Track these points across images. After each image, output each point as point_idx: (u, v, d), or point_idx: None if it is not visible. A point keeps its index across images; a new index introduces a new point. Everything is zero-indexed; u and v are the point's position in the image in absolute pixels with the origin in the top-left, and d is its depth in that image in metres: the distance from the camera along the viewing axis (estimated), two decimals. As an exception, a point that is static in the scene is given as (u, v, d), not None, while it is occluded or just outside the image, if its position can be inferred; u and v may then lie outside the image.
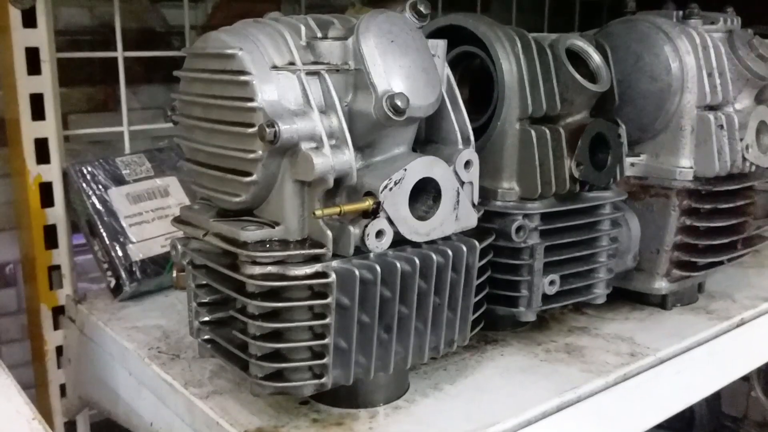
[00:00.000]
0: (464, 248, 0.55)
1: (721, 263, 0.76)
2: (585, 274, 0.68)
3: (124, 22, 0.93)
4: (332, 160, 0.48)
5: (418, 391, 0.60)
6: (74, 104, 1.11)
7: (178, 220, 0.56)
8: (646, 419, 0.63)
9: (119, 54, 0.90)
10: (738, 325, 0.75)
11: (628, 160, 0.72)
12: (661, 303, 0.78)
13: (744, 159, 0.72)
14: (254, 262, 0.49)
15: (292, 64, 0.49)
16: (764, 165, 0.74)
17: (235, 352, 0.52)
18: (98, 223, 0.82)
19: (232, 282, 0.51)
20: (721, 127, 0.71)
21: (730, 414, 1.19)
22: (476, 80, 0.67)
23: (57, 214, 0.83)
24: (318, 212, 0.48)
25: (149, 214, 0.85)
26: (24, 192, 0.81)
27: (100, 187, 0.84)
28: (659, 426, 0.91)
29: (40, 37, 0.78)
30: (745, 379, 1.14)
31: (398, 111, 0.49)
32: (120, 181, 0.86)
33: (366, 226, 0.49)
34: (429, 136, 0.57)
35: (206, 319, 0.55)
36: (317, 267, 0.49)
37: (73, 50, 1.00)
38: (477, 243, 0.56)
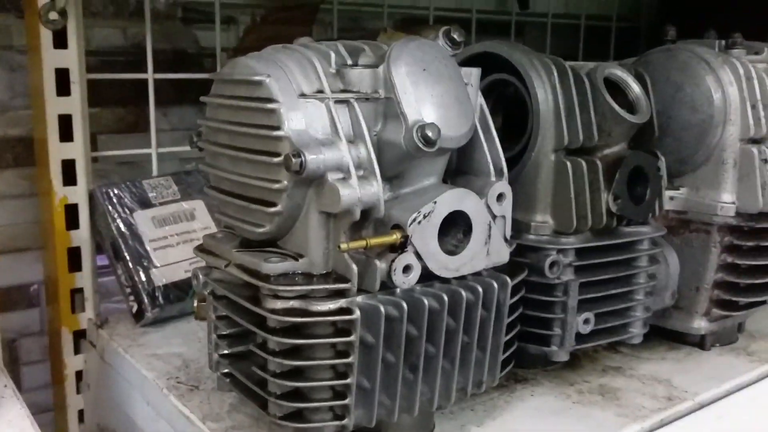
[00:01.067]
0: (495, 285, 0.53)
1: (763, 303, 0.72)
2: (621, 313, 0.65)
3: (155, 43, 0.93)
4: (359, 191, 0.46)
5: (444, 432, 0.57)
6: (104, 124, 1.11)
7: (200, 249, 0.54)
8: (686, 469, 0.60)
9: (149, 75, 0.90)
10: (782, 369, 0.71)
11: (667, 194, 0.68)
12: (700, 343, 0.74)
13: (789, 195, 0.69)
14: (276, 296, 0.47)
15: (320, 92, 0.48)
16: (809, 201, 0.70)
17: (254, 388, 0.50)
18: (122, 246, 0.81)
19: (253, 316, 0.49)
20: (765, 161, 0.68)
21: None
22: (510, 109, 0.65)
23: (82, 236, 0.82)
24: (343, 246, 0.46)
25: (174, 238, 0.84)
26: (49, 213, 0.80)
27: (126, 209, 0.83)
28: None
29: (71, 58, 0.78)
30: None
31: (429, 142, 0.47)
32: (146, 203, 0.85)
33: (393, 260, 0.47)
34: (460, 167, 0.55)
35: (226, 352, 0.53)
36: (341, 303, 0.47)
37: (105, 71, 1.00)
38: (509, 279, 0.54)
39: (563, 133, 0.59)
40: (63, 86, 0.78)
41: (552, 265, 0.60)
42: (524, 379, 0.67)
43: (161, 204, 0.86)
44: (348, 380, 0.47)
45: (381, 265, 0.47)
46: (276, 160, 0.46)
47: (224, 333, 0.53)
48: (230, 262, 0.50)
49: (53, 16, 0.74)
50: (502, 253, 0.54)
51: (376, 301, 0.47)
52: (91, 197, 0.82)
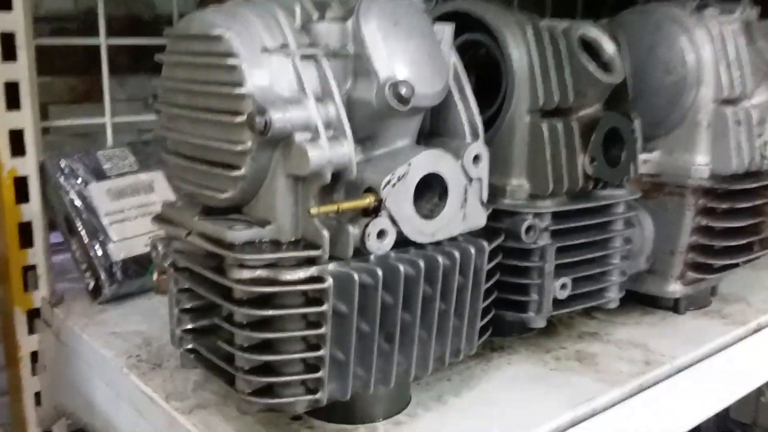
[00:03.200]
0: (472, 250, 0.50)
1: (736, 265, 0.72)
2: (597, 277, 0.63)
3: (109, 8, 0.88)
4: (329, 152, 0.43)
5: (420, 404, 0.55)
6: (56, 94, 1.05)
7: (158, 218, 0.51)
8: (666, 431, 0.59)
9: (102, 41, 0.85)
10: (755, 331, 0.71)
11: (640, 157, 0.67)
12: (674, 307, 0.73)
13: (762, 156, 0.68)
14: (242, 266, 0.44)
15: (285, 46, 0.44)
16: (783, 162, 0.69)
17: (221, 364, 0.47)
18: (76, 220, 0.77)
19: (218, 287, 0.46)
20: (739, 122, 0.66)
21: (738, 420, 1.15)
22: (483, 70, 0.62)
23: (33, 210, 0.77)
24: (313, 210, 0.43)
25: (132, 211, 0.80)
26: (-3, 187, 0.75)
27: (80, 181, 0.79)
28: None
29: (16, 21, 0.72)
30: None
31: (402, 100, 0.44)
32: (101, 175, 0.80)
33: (366, 225, 0.44)
34: (434, 129, 0.52)
35: (189, 327, 0.50)
36: (312, 271, 0.44)
37: (56, 38, 0.94)
38: (486, 244, 0.51)
39: (538, 93, 0.57)
40: (8, 51, 0.73)
41: (528, 229, 0.58)
42: (500, 348, 0.65)
43: (117, 176, 0.81)
44: (320, 352, 0.45)
45: (354, 230, 0.44)
46: (238, 119, 0.43)
47: (187, 307, 0.50)
48: (191, 231, 0.47)
49: (-6, -25, 0.69)
50: (478, 217, 0.51)
51: (349, 269, 0.45)
52: (42, 169, 0.78)
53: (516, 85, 0.57)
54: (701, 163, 0.67)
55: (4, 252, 0.77)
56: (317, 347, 0.45)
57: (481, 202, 0.51)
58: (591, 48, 0.61)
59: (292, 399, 0.45)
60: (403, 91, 0.44)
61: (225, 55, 0.43)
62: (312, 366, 0.45)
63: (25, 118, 0.75)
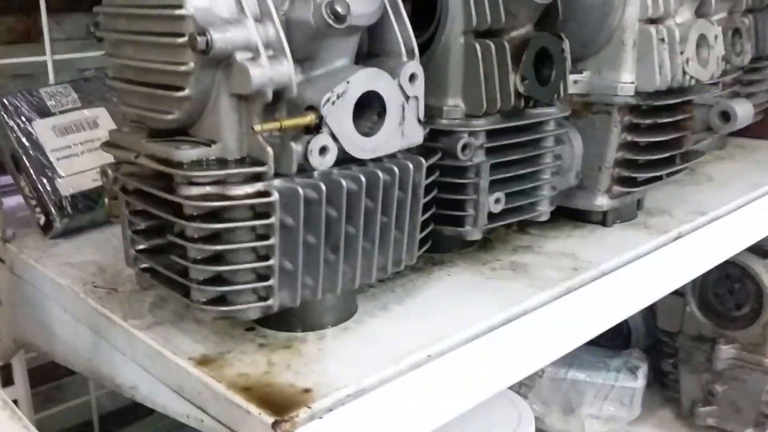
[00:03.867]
0: (411, 165, 0.53)
1: (660, 178, 0.76)
2: (529, 192, 0.67)
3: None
4: (270, 71, 0.44)
5: (366, 312, 0.58)
6: (-11, 33, 1.02)
7: (107, 144, 0.52)
8: (589, 330, 0.64)
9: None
10: (675, 239, 0.76)
11: (571, 77, 0.70)
12: (602, 220, 0.78)
13: (684, 73, 0.71)
14: (191, 183, 0.45)
15: None
16: (703, 79, 0.73)
17: (176, 278, 0.49)
18: (23, 157, 0.77)
19: (169, 205, 0.47)
20: (663, 40, 0.70)
21: (665, 329, 1.23)
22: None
23: (-23, 148, 0.77)
24: (257, 128, 0.45)
25: (78, 147, 0.80)
26: (-62, 125, 0.74)
27: (24, 119, 0.78)
28: (597, 343, 0.93)
29: (-57, -47, 0.70)
30: (680, 294, 1.17)
31: (339, 18, 0.45)
32: (45, 113, 0.80)
33: (308, 142, 0.46)
34: (371, 49, 0.54)
35: (143, 246, 0.52)
36: (258, 186, 0.46)
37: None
38: (423, 160, 0.54)
39: (471, 14, 0.59)
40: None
41: (464, 147, 0.61)
42: (441, 262, 0.69)
43: (61, 112, 0.81)
44: (270, 262, 0.47)
45: (297, 147, 0.46)
46: (180, 40, 0.44)
47: (140, 228, 0.52)
48: (140, 153, 0.48)
49: None
50: (416, 135, 0.54)
51: (294, 184, 0.47)
52: (-16, 107, 0.77)
53: (450, 7, 0.59)
54: (627, 80, 0.71)
55: (-51, 190, 0.76)
56: (267, 257, 0.47)
57: (418, 120, 0.54)
58: (521, -30, 0.63)
59: (245, 306, 0.48)
60: (340, 9, 0.45)
61: None
62: (263, 275, 0.48)
63: (-38, 55, 0.74)
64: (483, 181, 0.62)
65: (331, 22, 0.45)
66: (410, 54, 0.53)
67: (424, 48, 0.61)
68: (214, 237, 0.47)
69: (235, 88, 0.45)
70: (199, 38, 0.42)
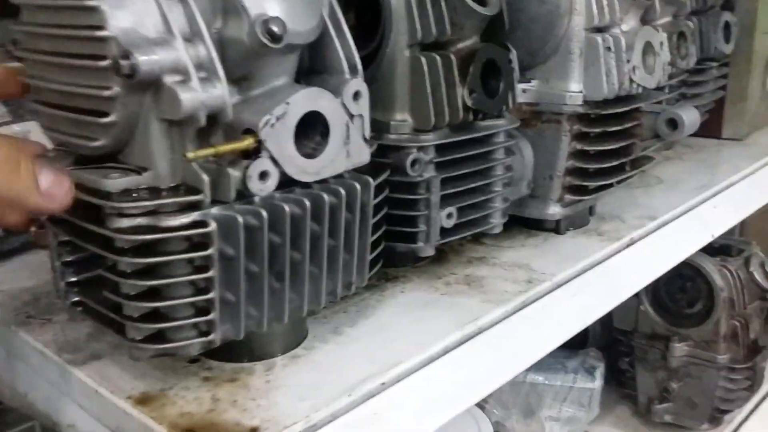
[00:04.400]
0: (358, 186, 0.51)
1: (610, 186, 0.76)
2: (481, 205, 0.65)
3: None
4: (202, 94, 0.42)
5: (317, 337, 0.56)
6: None
7: None
8: (546, 344, 0.62)
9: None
10: (628, 245, 0.76)
11: (519, 87, 0.69)
12: (555, 228, 0.77)
13: (631, 81, 0.71)
14: (121, 214, 0.42)
15: None
16: (650, 86, 0.73)
17: (109, 314, 0.46)
18: (-48, 179, 0.72)
19: (99, 237, 0.44)
20: (609, 48, 0.69)
21: (621, 328, 1.23)
22: (360, 7, 0.61)
23: None
24: (190, 155, 0.42)
25: (11, 166, 0.75)
26: None
27: (-49, 138, 0.73)
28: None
29: None
30: (635, 294, 1.18)
31: (275, 37, 0.43)
32: (-26, 130, 0.75)
33: (247, 167, 0.44)
34: (312, 66, 0.51)
35: (73, 279, 0.48)
36: (194, 216, 0.43)
37: None
38: (371, 179, 0.52)
39: (416, 27, 0.57)
40: None
41: (413, 163, 0.59)
42: (395, 278, 0.67)
43: (-9, 129, 0.77)
44: (210, 295, 0.44)
45: (234, 173, 0.44)
46: (103, 63, 0.41)
47: (69, 259, 0.48)
48: None
49: None
50: (362, 154, 0.51)
51: (232, 212, 0.44)
52: None
53: (394, 20, 0.57)
54: (575, 90, 0.70)
55: None
56: (206, 290, 0.45)
57: (364, 139, 0.51)
58: (466, -20, 0.61)
59: (184, 342, 0.45)
60: (275, 28, 0.43)
61: None
62: (202, 309, 0.45)
63: None
64: (434, 197, 0.60)
65: (266, 41, 0.43)
66: (353, 70, 0.51)
67: (368, 60, 0.59)
68: (149, 271, 0.44)
69: (164, 113, 0.42)
70: (122, 62, 0.39)
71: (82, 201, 0.44)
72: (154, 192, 0.43)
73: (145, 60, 0.40)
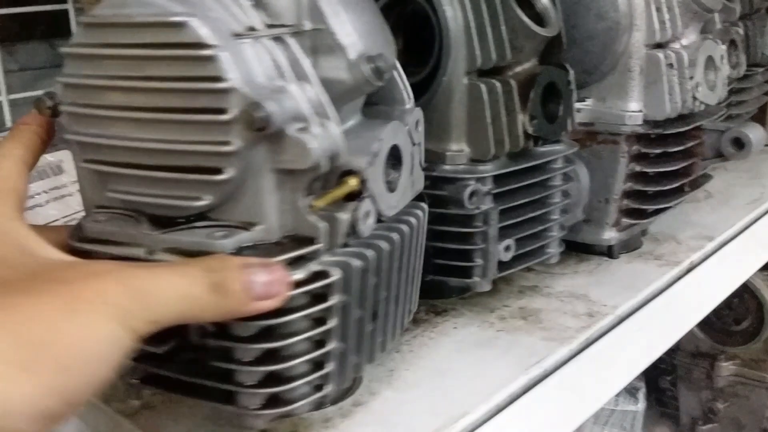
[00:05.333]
0: (420, 214, 0.50)
1: (669, 208, 0.73)
2: (539, 234, 0.63)
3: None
4: (324, 140, 0.40)
5: (373, 381, 0.54)
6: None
7: (90, 240, 0.43)
8: (615, 384, 0.60)
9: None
10: (688, 270, 0.73)
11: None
12: (608, 252, 0.74)
13: (694, 98, 0.68)
14: None
15: (252, 29, 0.40)
16: (712, 102, 0.70)
17: (209, 384, 0.42)
18: (-20, 209, 0.70)
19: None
20: (671, 65, 0.66)
21: (663, 346, 1.20)
22: (410, 31, 0.59)
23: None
24: (317, 203, 0.40)
25: (42, 196, 0.74)
26: None
27: (-22, 168, 0.72)
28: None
29: None
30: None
31: (380, 74, 0.42)
32: (3, 159, 0.73)
33: (355, 209, 0.42)
34: (369, 98, 0.49)
35: (153, 352, 0.42)
36: (314, 266, 0.41)
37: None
38: (425, 205, 0.51)
39: (475, 53, 0.55)
40: None
41: (471, 195, 0.57)
42: (444, 311, 0.65)
43: (21, 158, 0.75)
44: (327, 347, 0.42)
45: (344, 216, 0.42)
46: (225, 117, 0.38)
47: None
48: (154, 249, 0.41)
49: None
50: (420, 181, 0.51)
51: (346, 257, 0.42)
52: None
53: (452, 45, 0.55)
54: (634, 109, 0.67)
55: None
56: (323, 344, 0.43)
57: (420, 166, 0.51)
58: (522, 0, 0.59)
59: (301, 403, 0.43)
60: (382, 65, 0.42)
61: (195, 45, 0.38)
62: (318, 363, 0.43)
63: None
64: (492, 229, 0.58)
65: (372, 79, 0.41)
66: (410, 99, 0.50)
67: (421, 88, 0.56)
68: (267, 332, 0.41)
69: (286, 163, 0.40)
70: (255, 114, 0.37)
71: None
72: (267, 248, 0.41)
73: (277, 110, 0.37)
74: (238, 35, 0.39)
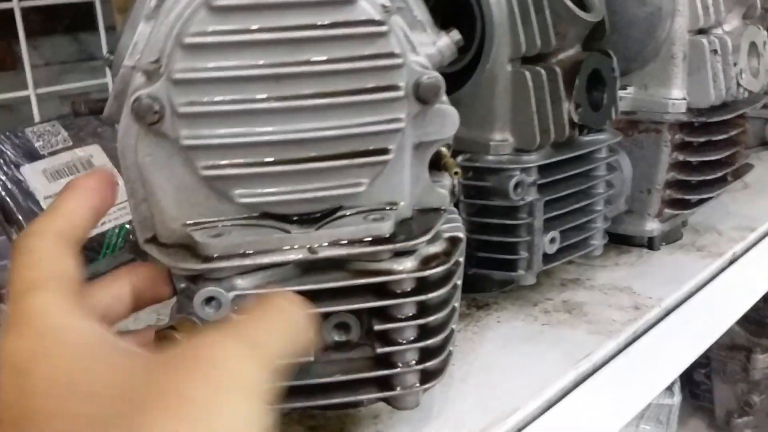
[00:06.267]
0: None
1: (711, 198, 0.71)
2: (583, 226, 0.62)
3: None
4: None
5: (419, 376, 0.52)
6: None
7: (218, 258, 0.37)
8: (664, 377, 0.59)
9: (15, 3, 0.76)
10: (731, 262, 0.72)
11: (616, 95, 0.65)
12: (649, 243, 0.73)
13: (738, 85, 0.66)
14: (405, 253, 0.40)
15: (385, 7, 0.38)
16: (756, 89, 0.69)
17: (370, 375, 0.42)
18: (13, 207, 0.70)
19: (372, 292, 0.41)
20: (715, 52, 0.65)
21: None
22: (450, 16, 0.58)
23: (-41, 200, 0.70)
24: (458, 171, 0.41)
25: (73, 193, 0.73)
26: None
27: (11, 165, 0.71)
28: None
29: None
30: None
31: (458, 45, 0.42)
32: (34, 155, 0.73)
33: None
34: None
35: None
36: (449, 233, 0.43)
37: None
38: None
39: (520, 39, 0.53)
40: None
41: (516, 186, 0.55)
42: (486, 305, 0.64)
43: (51, 154, 0.74)
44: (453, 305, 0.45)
45: (453, 185, 0.43)
46: (398, 93, 0.37)
47: None
48: (315, 246, 0.39)
49: None
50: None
51: (454, 223, 0.44)
52: (-34, 154, 0.70)
53: (495, 31, 0.53)
54: (678, 97, 0.66)
55: (-66, 249, 0.70)
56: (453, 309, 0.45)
57: None
58: (565, -17, 0.58)
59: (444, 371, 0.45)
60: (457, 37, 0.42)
61: (367, 22, 0.36)
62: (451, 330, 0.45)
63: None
64: (537, 221, 0.57)
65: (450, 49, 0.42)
66: None
67: (464, 76, 0.55)
68: (421, 309, 0.42)
69: (432, 135, 0.40)
70: (426, 83, 0.37)
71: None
72: (410, 224, 0.40)
73: (440, 79, 0.38)
74: (387, 10, 0.37)
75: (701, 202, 0.71)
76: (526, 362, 0.55)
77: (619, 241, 0.73)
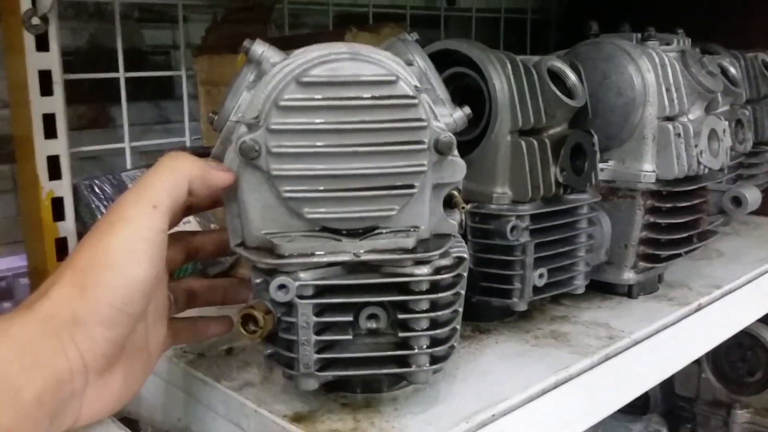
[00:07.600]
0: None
1: (679, 255, 0.84)
2: (567, 268, 0.74)
3: (108, 42, 0.95)
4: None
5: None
6: (69, 122, 1.12)
7: (287, 256, 0.52)
8: (629, 393, 0.70)
9: (121, 74, 0.93)
10: (696, 310, 0.83)
11: (599, 166, 0.78)
12: (628, 292, 0.85)
13: (698, 162, 0.80)
14: (423, 262, 0.54)
15: (417, 88, 0.53)
16: (715, 167, 0.82)
17: (390, 354, 0.55)
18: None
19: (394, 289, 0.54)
20: (679, 135, 0.78)
21: (682, 395, 1.28)
22: (465, 98, 0.72)
23: (68, 227, 0.85)
24: (467, 207, 0.56)
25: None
26: (36, 206, 0.83)
27: (108, 201, 0.86)
28: (619, 410, 0.99)
29: (53, 60, 0.80)
30: (697, 362, 1.23)
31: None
32: (126, 194, 0.88)
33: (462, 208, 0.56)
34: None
35: (326, 341, 0.54)
36: (456, 253, 0.56)
37: (66, 71, 1.01)
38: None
39: (518, 117, 0.68)
40: (46, 87, 0.81)
41: (512, 229, 0.69)
42: (488, 331, 0.76)
43: (139, 195, 0.89)
44: (456, 307, 0.58)
45: (460, 218, 0.57)
46: (422, 146, 0.52)
47: (325, 338, 0.54)
48: (358, 252, 0.52)
49: (35, 21, 0.77)
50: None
51: (459, 247, 0.57)
52: (75, 190, 0.85)
53: (499, 110, 0.68)
54: (648, 170, 0.79)
55: (43, 265, 0.84)
56: (456, 311, 0.58)
57: None
58: (557, 77, 0.73)
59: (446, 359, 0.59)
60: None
61: (404, 96, 0.51)
62: (454, 328, 0.58)
63: (61, 146, 0.83)
64: (528, 259, 0.70)
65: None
66: None
67: (474, 143, 0.69)
68: (433, 305, 0.55)
69: (444, 178, 0.54)
70: (442, 139, 0.52)
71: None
72: (428, 242, 0.55)
73: (453, 138, 0.53)
74: (418, 89, 0.52)
75: (671, 257, 0.83)
76: (516, 370, 0.66)
77: (603, 289, 0.85)
